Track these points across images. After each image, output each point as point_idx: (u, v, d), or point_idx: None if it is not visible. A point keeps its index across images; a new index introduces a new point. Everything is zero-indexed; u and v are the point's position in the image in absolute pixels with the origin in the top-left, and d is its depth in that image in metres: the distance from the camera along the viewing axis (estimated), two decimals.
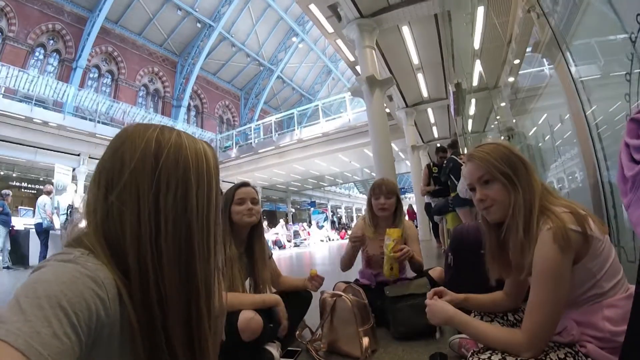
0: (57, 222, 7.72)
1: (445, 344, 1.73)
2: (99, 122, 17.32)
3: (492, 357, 1.00)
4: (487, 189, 1.14)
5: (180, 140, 0.65)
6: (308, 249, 15.11)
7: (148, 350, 0.56)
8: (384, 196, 2.38)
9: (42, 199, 7.77)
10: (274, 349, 1.71)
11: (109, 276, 0.53)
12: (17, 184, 17.91)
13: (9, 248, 7.90)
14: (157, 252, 0.58)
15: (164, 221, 0.59)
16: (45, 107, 15.99)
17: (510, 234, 1.11)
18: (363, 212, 2.61)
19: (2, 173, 17.02)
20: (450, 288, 1.88)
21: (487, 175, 1.13)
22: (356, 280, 2.47)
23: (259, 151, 20.53)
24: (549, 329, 0.98)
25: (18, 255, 8.20)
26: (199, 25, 24.86)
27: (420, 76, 10.34)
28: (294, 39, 29.92)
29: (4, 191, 8.04)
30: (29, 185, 18.20)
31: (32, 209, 8.19)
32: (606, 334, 0.96)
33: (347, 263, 2.44)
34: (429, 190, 6.11)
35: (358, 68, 8.25)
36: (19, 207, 14.21)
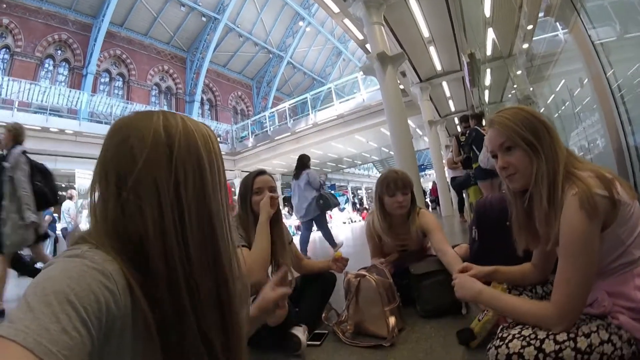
0: (82, 223, 7.95)
1: (473, 318, 1.71)
2: None
3: (523, 332, 0.97)
4: (509, 156, 1.10)
5: (186, 125, 0.64)
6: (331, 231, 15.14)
7: (175, 343, 0.56)
8: (400, 192, 2.13)
9: (66, 204, 8.01)
10: (300, 333, 1.72)
11: (116, 268, 0.52)
12: None
13: (52, 255, 8.16)
14: (183, 242, 0.58)
15: (187, 211, 0.59)
16: (60, 116, 16.32)
17: (535, 203, 1.07)
18: None
19: None
20: (475, 262, 1.85)
21: (508, 142, 1.09)
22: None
23: (275, 138, 20.55)
24: (580, 301, 0.95)
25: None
26: (203, 19, 24.82)
27: (432, 49, 10.06)
28: (300, 23, 29.55)
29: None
30: None
31: (58, 215, 8.44)
32: (639, 304, 0.91)
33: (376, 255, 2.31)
34: (459, 160, 5.97)
35: (368, 46, 8.08)
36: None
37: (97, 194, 0.61)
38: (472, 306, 1.93)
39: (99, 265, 0.50)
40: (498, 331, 1.06)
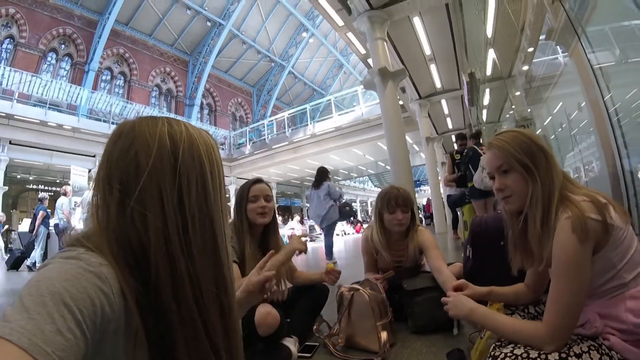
0: (75, 221, 7.85)
1: (464, 337, 1.72)
2: (113, 123, 17.48)
3: (515, 351, 0.98)
4: (506, 179, 1.12)
5: (190, 132, 0.65)
6: (324, 243, 15.09)
7: (183, 349, 0.57)
8: (400, 210, 2.12)
9: (60, 200, 7.96)
10: (291, 345, 1.72)
11: (112, 272, 0.52)
12: (34, 186, 18.30)
13: (43, 250, 8.03)
14: (187, 250, 0.59)
15: (190, 218, 0.60)
16: (59, 111, 16.27)
17: (529, 224, 1.09)
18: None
19: (19, 176, 17.39)
20: (469, 281, 1.86)
21: (505, 165, 1.12)
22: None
23: (273, 147, 20.59)
24: (571, 321, 0.96)
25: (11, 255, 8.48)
26: (208, 23, 24.98)
27: (433, 67, 10.19)
28: (304, 34, 29.85)
29: (41, 195, 8.52)
30: (46, 188, 18.55)
31: (50, 210, 8.38)
32: (629, 326, 0.93)
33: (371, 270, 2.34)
34: (453, 178, 6.00)
35: (370, 61, 8.18)
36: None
37: (99, 197, 0.60)
38: (464, 325, 1.94)
39: (95, 268, 0.50)
40: (490, 349, 1.07)
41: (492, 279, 1.36)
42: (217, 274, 0.63)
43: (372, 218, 2.28)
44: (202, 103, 26.92)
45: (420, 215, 17.42)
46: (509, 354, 0.97)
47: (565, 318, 0.95)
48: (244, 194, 1.98)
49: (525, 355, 0.95)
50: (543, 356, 0.93)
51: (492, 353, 1.03)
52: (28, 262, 7.77)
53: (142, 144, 0.60)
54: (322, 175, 6.04)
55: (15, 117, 13.93)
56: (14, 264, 7.84)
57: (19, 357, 0.39)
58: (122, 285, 0.53)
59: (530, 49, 6.29)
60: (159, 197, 0.58)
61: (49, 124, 14.87)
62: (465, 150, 5.32)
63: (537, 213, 1.04)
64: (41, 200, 8.35)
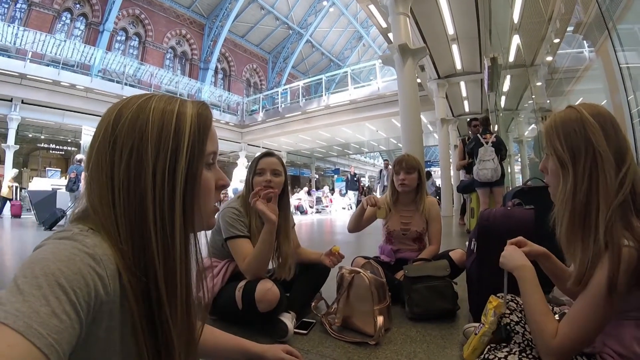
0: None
1: (458, 331, 1.73)
2: (126, 84, 17.58)
3: (509, 358, 0.96)
4: (547, 162, 1.02)
5: (146, 103, 0.60)
6: (330, 215, 15.25)
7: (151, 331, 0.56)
8: (404, 171, 2.40)
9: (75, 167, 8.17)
10: (288, 320, 1.73)
11: (107, 252, 0.52)
12: (46, 145, 18.64)
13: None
14: (116, 224, 0.56)
15: (118, 193, 0.56)
16: (72, 71, 16.25)
17: (556, 225, 0.99)
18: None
19: (30, 135, 17.62)
20: (469, 275, 1.85)
21: (547, 148, 1.01)
22: (376, 257, 2.47)
23: (286, 116, 20.50)
24: (583, 344, 0.91)
25: (50, 214, 8.62)
26: None
27: (454, 47, 9.89)
28: (324, 2, 29.08)
29: (79, 157, 8.70)
30: (57, 147, 18.92)
31: (60, 169, 8.51)
32: (630, 354, 0.87)
33: (352, 222, 2.47)
34: (463, 164, 5.94)
35: (390, 35, 7.95)
36: (47, 168, 14.80)
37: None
38: (460, 316, 1.95)
39: (90, 249, 0.50)
40: (485, 350, 1.06)
41: (493, 276, 1.34)
42: (145, 257, 0.57)
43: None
44: (216, 67, 26.68)
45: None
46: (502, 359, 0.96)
47: (578, 340, 0.89)
48: (252, 166, 1.97)
49: None
50: None
51: (486, 356, 1.02)
52: (63, 222, 7.89)
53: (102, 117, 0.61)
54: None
55: (28, 76, 14.04)
56: (53, 224, 7.91)
57: (15, 340, 0.39)
58: (117, 263, 0.52)
59: (556, 40, 6.06)
60: (99, 169, 0.57)
61: (62, 83, 14.96)
62: (470, 138, 5.32)
63: (564, 216, 0.94)
64: (80, 161, 8.49)
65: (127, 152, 0.57)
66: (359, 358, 1.52)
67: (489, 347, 1.06)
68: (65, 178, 8.44)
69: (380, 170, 10.02)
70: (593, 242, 0.87)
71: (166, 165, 0.58)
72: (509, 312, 1.21)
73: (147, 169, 0.57)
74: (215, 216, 0.74)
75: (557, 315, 1.11)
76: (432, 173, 14.15)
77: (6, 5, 17.29)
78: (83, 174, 7.82)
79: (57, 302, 0.43)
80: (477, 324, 1.33)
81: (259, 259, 1.75)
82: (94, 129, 0.62)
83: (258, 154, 2.03)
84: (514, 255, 1.11)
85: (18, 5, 17.55)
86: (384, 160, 10.31)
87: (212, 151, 0.66)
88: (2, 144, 14.35)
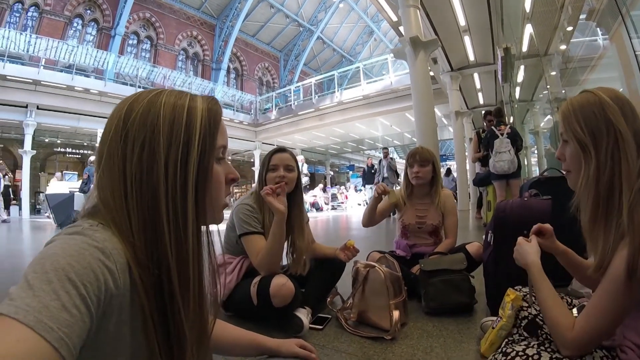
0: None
1: (475, 325, 1.70)
2: (139, 87, 17.69)
3: (527, 350, 0.93)
4: (564, 149, 0.99)
5: (157, 98, 0.61)
6: (345, 212, 15.23)
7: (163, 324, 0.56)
8: (417, 164, 2.39)
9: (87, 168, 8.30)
10: (303, 316, 1.73)
11: (117, 246, 0.52)
12: (62, 149, 18.98)
13: None
14: (127, 218, 0.56)
15: (130, 186, 0.57)
16: (86, 75, 16.50)
17: (579, 212, 0.95)
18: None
19: (47, 140, 17.91)
20: (487, 268, 1.82)
21: (565, 134, 0.98)
22: (392, 252, 2.45)
23: (299, 113, 20.50)
24: (601, 336, 0.88)
25: (66, 217, 8.78)
26: None
27: (467, 39, 9.73)
28: None
29: (92, 158, 8.75)
30: (74, 151, 19.25)
31: (77, 173, 8.70)
32: None
33: (366, 216, 2.46)
34: (479, 157, 5.88)
35: (401, 29, 7.87)
36: (64, 171, 15.13)
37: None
38: (477, 310, 1.92)
39: (100, 243, 0.50)
40: (502, 344, 1.04)
41: (511, 269, 1.31)
42: (157, 250, 0.57)
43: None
44: (229, 67, 26.79)
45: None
46: (520, 353, 0.93)
47: (596, 334, 0.86)
48: (265, 162, 1.98)
49: (537, 357, 0.91)
50: None
51: (504, 349, 0.99)
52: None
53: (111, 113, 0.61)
54: None
55: (42, 82, 14.30)
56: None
57: (25, 335, 0.39)
58: (127, 258, 0.52)
59: (570, 28, 5.91)
60: (111, 164, 0.58)
61: (76, 88, 15.19)
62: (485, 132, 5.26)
63: (587, 202, 0.90)
64: (93, 162, 8.71)
65: (139, 145, 0.57)
66: (375, 353, 1.51)
67: (506, 340, 1.04)
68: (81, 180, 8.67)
69: (380, 161, 9.71)
70: (616, 226, 0.84)
71: (178, 157, 0.58)
72: (526, 305, 1.18)
73: (159, 161, 0.57)
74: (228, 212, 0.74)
75: (575, 308, 1.09)
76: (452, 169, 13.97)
77: (17, 14, 17.61)
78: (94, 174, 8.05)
79: (67, 297, 0.43)
80: (494, 318, 1.31)
81: (271, 252, 1.76)
82: None
83: (271, 150, 2.04)
84: (524, 252, 1.08)
85: (29, 14, 17.87)
86: (383, 150, 9.94)
87: (222, 145, 0.66)
88: (19, 150, 14.64)
